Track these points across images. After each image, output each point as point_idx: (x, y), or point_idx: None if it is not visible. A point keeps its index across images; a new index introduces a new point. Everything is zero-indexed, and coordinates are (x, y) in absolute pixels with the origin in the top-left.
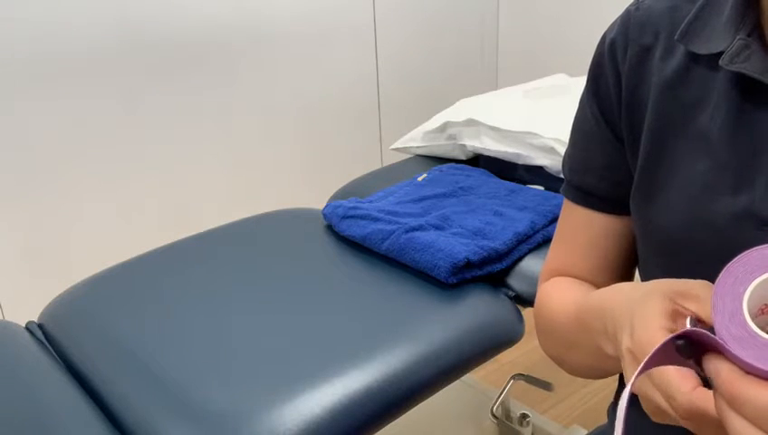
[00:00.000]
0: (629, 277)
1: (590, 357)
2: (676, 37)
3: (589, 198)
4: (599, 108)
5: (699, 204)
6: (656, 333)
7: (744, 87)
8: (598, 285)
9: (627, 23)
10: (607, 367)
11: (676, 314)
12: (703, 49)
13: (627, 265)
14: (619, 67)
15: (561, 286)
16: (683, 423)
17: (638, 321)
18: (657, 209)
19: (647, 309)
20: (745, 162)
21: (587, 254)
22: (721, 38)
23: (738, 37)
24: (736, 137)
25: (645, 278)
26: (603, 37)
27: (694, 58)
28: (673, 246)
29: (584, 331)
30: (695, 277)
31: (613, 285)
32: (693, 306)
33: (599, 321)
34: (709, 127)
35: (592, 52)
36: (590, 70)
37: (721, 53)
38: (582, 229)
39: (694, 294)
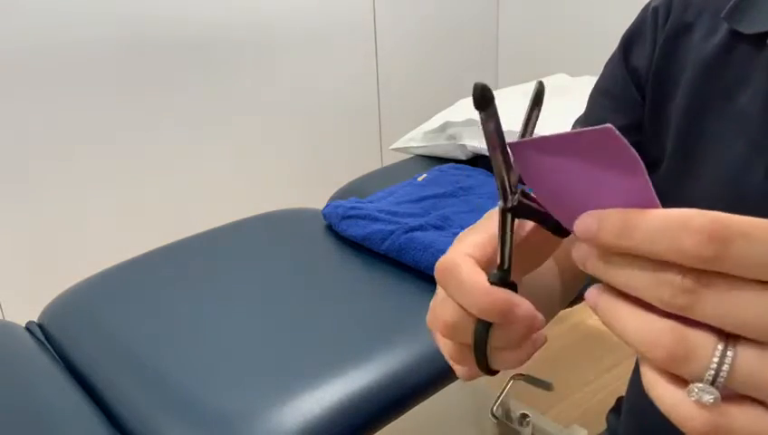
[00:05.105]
0: None
1: None
2: (722, 15)
3: None
4: (629, 70)
5: (732, 186)
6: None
7: None
8: None
9: None
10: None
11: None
12: (748, 28)
13: None
14: (657, 35)
15: None
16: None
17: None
18: (691, 193)
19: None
20: None
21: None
22: None
23: None
24: None
25: None
26: (647, 5)
27: (737, 38)
28: None
29: None
30: None
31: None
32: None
33: None
34: (749, 108)
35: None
36: (628, 34)
37: (766, 33)
38: None
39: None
